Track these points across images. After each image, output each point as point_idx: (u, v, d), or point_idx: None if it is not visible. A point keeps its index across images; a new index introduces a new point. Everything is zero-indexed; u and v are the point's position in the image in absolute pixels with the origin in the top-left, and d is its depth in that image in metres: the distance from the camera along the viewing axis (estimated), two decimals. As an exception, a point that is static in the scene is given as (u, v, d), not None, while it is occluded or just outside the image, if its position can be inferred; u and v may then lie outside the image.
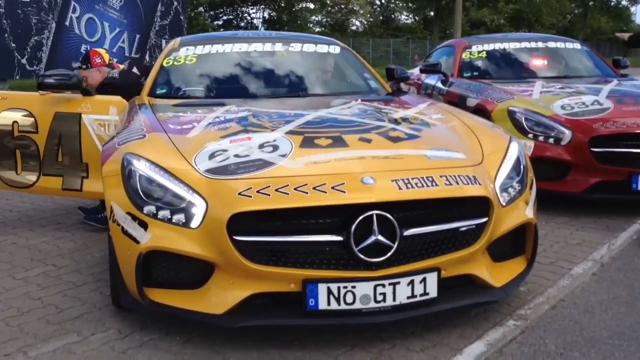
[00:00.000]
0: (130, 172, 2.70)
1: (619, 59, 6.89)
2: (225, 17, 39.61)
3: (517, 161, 3.04)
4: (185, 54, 4.34)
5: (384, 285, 2.52)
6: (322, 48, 4.65)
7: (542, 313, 2.97)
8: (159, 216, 2.57)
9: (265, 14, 39.79)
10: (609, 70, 6.56)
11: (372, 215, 2.48)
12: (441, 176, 2.66)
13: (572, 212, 4.72)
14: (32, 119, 4.08)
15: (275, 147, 2.80)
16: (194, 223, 2.53)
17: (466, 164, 2.83)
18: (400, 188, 2.56)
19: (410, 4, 49.49)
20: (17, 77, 13.00)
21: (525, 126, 4.83)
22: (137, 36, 15.34)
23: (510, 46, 6.76)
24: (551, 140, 4.69)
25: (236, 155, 2.74)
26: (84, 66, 4.59)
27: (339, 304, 2.51)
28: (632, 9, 59.57)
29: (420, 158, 2.82)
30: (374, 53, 40.10)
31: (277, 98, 4.06)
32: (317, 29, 44.03)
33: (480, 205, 2.71)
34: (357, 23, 49.83)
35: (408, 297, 2.57)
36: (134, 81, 4.56)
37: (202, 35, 5.70)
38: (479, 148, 3.01)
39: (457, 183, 2.66)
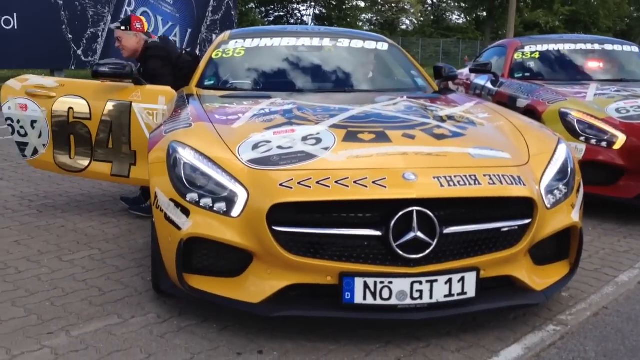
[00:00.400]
0: (175, 160, 2.75)
1: None
2: (275, 14, 39.86)
3: (565, 163, 2.97)
4: (234, 47, 4.39)
5: (421, 283, 2.51)
6: (370, 44, 4.63)
7: (583, 319, 2.91)
8: (201, 204, 2.61)
9: (316, 11, 39.87)
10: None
11: (412, 211, 2.46)
12: (485, 175, 2.62)
13: (621, 219, 4.59)
14: (87, 105, 4.19)
15: (319, 140, 2.81)
16: (235, 212, 2.56)
17: (511, 164, 2.78)
18: (442, 185, 2.53)
19: (462, 4, 48.83)
20: (73, 68, 13.38)
21: (578, 128, 4.71)
22: (189, 30, 15.60)
23: (564, 47, 6.58)
24: (604, 143, 4.56)
25: (279, 147, 2.76)
26: (122, 27, 4.59)
27: (375, 298, 2.50)
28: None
29: (464, 156, 2.79)
30: (423, 53, 39.80)
31: (323, 93, 4.08)
32: (366, 28, 43.88)
33: (524, 206, 2.66)
34: (407, 22, 49.49)
35: (445, 296, 2.55)
36: (174, 47, 4.73)
37: (252, 29, 5.77)
38: (525, 148, 2.96)
39: (501, 183, 2.62)
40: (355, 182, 2.50)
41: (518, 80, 6.25)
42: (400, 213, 2.46)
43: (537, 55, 6.56)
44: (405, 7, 51.45)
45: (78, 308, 2.94)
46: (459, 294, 2.57)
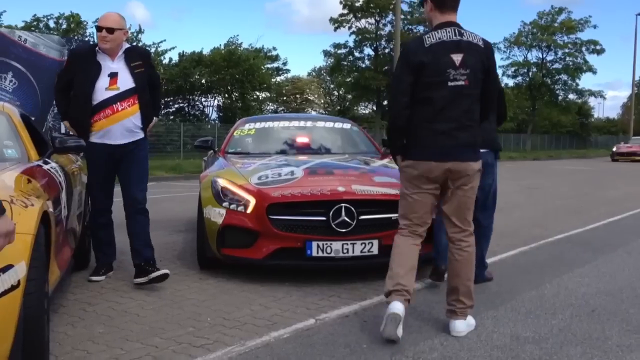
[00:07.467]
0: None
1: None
2: (176, 105, 40.96)
3: None
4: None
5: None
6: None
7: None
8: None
9: (220, 102, 41.32)
10: (373, 148, 7.55)
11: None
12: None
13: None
14: None
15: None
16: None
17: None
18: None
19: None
20: None
21: (221, 195, 5.55)
22: (32, 119, 14.42)
23: (278, 125, 7.93)
24: (240, 208, 5.39)
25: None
26: None
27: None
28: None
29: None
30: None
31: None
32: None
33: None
34: (313, 112, 53.10)
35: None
36: None
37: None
38: None
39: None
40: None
41: (230, 154, 7.08)
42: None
43: (252, 132, 7.67)
44: (309, 97, 55.97)
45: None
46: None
